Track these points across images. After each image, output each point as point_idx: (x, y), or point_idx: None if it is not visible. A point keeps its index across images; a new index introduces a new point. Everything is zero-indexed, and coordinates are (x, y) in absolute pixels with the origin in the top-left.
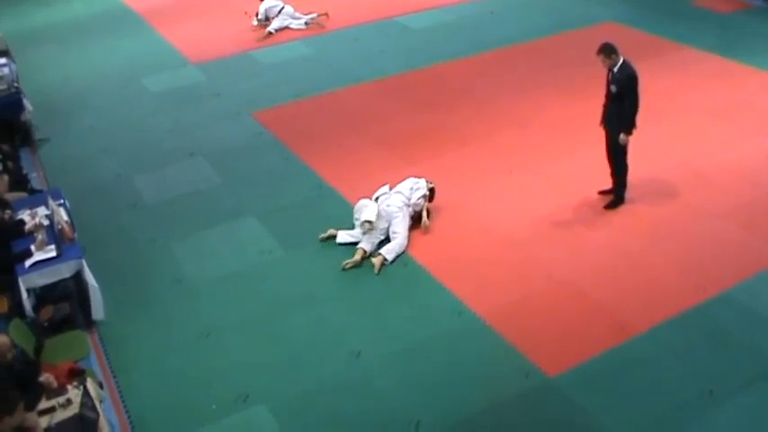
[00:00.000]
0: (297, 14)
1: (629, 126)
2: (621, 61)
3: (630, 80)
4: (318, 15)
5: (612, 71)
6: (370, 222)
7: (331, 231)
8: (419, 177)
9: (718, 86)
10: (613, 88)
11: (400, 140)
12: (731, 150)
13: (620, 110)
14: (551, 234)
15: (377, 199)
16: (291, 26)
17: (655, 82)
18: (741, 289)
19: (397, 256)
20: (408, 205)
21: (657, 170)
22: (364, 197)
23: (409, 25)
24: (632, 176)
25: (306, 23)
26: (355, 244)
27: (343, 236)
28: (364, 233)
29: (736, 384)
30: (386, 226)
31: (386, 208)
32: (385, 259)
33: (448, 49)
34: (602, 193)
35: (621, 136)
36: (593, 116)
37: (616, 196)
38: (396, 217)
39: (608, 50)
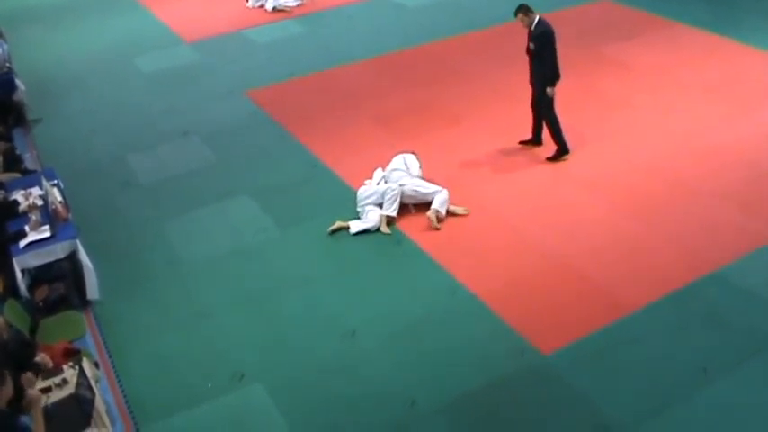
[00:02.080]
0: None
1: (553, 79)
2: (537, 19)
3: (546, 35)
4: None
5: (530, 29)
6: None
7: (339, 223)
8: (404, 153)
9: (713, 63)
10: (532, 45)
11: (395, 118)
12: (726, 128)
13: (541, 65)
14: (546, 212)
15: (378, 185)
16: (288, 4)
17: (648, 58)
18: (735, 267)
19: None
20: (411, 175)
21: (652, 147)
22: (362, 178)
23: (404, 3)
24: (626, 154)
25: None
26: (370, 231)
27: (357, 225)
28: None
29: (730, 362)
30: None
31: (404, 188)
32: (438, 212)
33: (442, 27)
34: (523, 143)
35: (548, 89)
36: (589, 93)
37: (559, 148)
38: (410, 185)
39: (525, 9)
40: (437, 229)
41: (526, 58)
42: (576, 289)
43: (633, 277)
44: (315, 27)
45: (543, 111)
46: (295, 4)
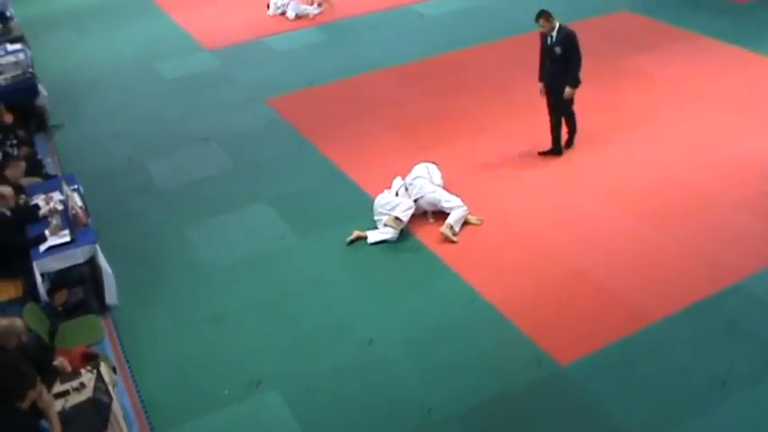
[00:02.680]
0: (302, 6)
1: (575, 81)
2: (558, 25)
3: (571, 38)
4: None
5: (551, 35)
6: (400, 221)
7: (357, 233)
8: (427, 162)
9: (734, 75)
10: (558, 50)
11: (414, 127)
12: (746, 139)
13: (566, 68)
14: (565, 222)
15: (397, 194)
16: (308, 11)
17: (670, 70)
18: (755, 279)
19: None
20: (432, 183)
21: (672, 158)
22: (381, 187)
23: (424, 12)
24: (646, 165)
25: (318, 6)
26: (388, 242)
27: (375, 236)
28: (386, 225)
29: (749, 375)
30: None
31: (425, 196)
32: (453, 227)
33: (463, 36)
34: (543, 153)
35: (568, 89)
36: (610, 104)
37: (570, 138)
38: (433, 193)
39: (547, 15)
40: (453, 242)
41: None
42: (593, 299)
43: (652, 288)
44: (335, 35)
45: (565, 110)
46: (315, 11)
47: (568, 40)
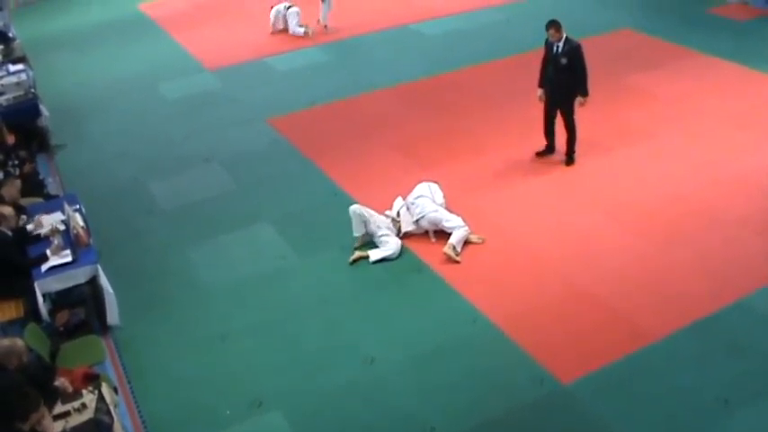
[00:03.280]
0: (295, 25)
1: (585, 90)
2: (565, 36)
3: (578, 50)
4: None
5: (558, 45)
6: (396, 220)
7: (359, 254)
8: (428, 182)
9: (735, 93)
10: (564, 60)
11: (416, 147)
12: (748, 157)
13: (572, 78)
14: (566, 240)
15: (398, 213)
16: (296, 32)
17: (671, 88)
18: (757, 297)
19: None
20: (435, 202)
21: (673, 175)
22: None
23: (424, 32)
24: (649, 182)
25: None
26: (389, 259)
27: (377, 254)
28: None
29: (752, 393)
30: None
31: (427, 215)
32: (455, 248)
33: (463, 56)
34: (540, 154)
35: (579, 98)
36: (613, 121)
37: (570, 153)
38: (435, 212)
39: (557, 25)
40: (456, 261)
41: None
42: (596, 317)
43: (655, 306)
44: (336, 55)
45: (568, 119)
46: (301, 33)
47: (574, 53)
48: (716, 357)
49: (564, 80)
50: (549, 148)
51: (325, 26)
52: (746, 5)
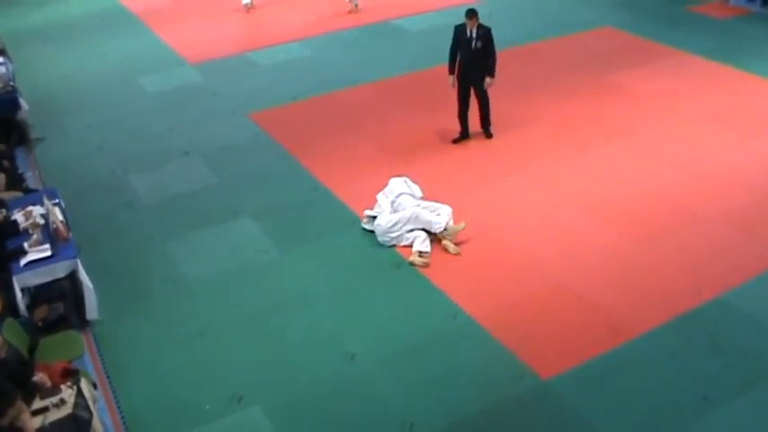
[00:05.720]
0: None
1: (493, 71)
2: (478, 23)
3: (489, 33)
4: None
5: (472, 31)
6: (426, 253)
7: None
8: (398, 176)
9: (715, 91)
10: (479, 44)
11: (397, 142)
12: (728, 154)
13: (486, 59)
14: (547, 236)
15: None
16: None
17: (652, 86)
18: (738, 293)
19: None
20: (415, 197)
21: (654, 172)
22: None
23: (407, 28)
24: (629, 180)
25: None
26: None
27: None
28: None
29: (732, 389)
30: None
31: (418, 211)
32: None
33: (445, 51)
34: (456, 141)
35: (488, 80)
36: (592, 119)
37: (487, 126)
38: (422, 212)
39: (477, 13)
40: (458, 253)
41: (528, 84)
42: (577, 314)
43: (635, 302)
44: (318, 50)
45: (484, 94)
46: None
47: (489, 35)
48: (696, 353)
49: (479, 61)
50: (464, 134)
51: (356, 5)
52: (726, 4)
